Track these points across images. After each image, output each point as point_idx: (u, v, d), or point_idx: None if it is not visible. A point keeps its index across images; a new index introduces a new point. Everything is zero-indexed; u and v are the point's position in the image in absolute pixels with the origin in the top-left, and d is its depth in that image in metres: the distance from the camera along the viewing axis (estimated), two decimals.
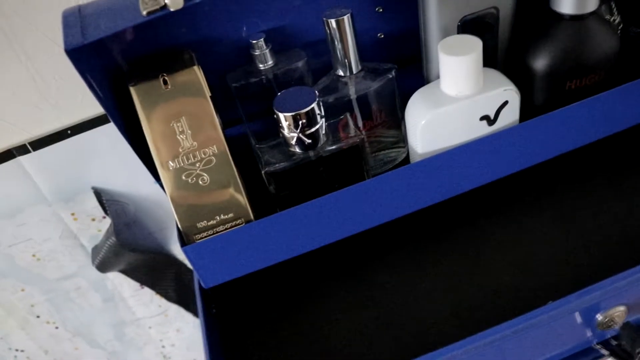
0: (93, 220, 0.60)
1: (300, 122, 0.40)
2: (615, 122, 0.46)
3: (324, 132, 0.42)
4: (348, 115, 0.45)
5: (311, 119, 0.41)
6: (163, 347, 0.76)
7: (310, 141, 0.41)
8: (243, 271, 0.45)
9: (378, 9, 0.50)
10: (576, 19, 0.43)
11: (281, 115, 0.40)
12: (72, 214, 0.59)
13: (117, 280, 0.66)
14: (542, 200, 0.49)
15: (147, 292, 0.68)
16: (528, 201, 0.50)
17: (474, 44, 0.41)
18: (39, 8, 0.48)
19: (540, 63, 0.45)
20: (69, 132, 0.53)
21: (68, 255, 0.62)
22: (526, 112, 0.46)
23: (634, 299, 0.41)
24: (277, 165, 0.42)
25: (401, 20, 0.50)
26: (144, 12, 0.36)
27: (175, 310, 0.71)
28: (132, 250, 0.59)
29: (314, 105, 0.40)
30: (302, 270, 0.49)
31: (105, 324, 0.70)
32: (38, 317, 0.67)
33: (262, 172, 0.42)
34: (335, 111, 0.46)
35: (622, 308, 0.41)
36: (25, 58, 0.49)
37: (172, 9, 0.36)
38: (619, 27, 0.50)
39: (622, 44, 0.52)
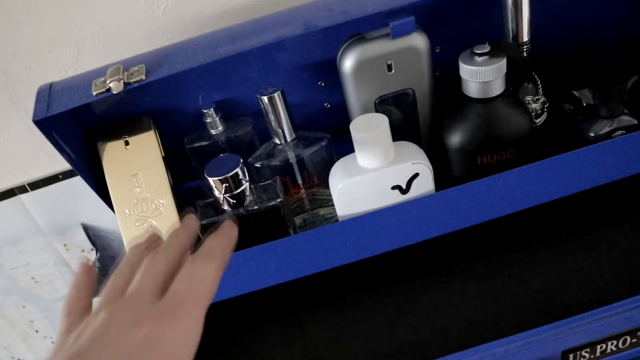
0: (83, 251, 0.69)
1: (224, 185, 0.47)
2: (525, 198, 0.49)
3: (248, 193, 0.48)
4: (278, 178, 0.51)
5: (235, 182, 0.47)
6: None
7: (234, 201, 0.48)
8: None
9: (320, 83, 0.56)
10: (483, 101, 0.48)
11: (210, 180, 0.47)
12: (65, 245, 0.68)
13: None
14: (462, 265, 0.53)
15: None
16: (449, 265, 0.53)
17: (381, 122, 0.46)
18: (37, 74, 0.58)
19: (452, 140, 0.50)
20: (60, 176, 0.62)
21: (62, 280, 0.71)
22: (447, 182, 0.50)
23: None
24: (205, 219, 0.48)
25: (341, 93, 0.56)
26: (94, 93, 0.44)
27: None
28: None
29: (238, 170, 0.47)
30: (245, 307, 0.55)
31: None
32: (37, 331, 0.76)
33: None
34: (280, 172, 0.53)
35: None
36: (25, 116, 0.59)
37: (114, 92, 0.44)
38: (545, 106, 0.54)
39: (553, 121, 0.56)
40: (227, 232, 0.32)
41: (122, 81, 0.44)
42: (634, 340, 0.43)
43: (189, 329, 0.27)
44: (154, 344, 0.25)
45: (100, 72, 0.46)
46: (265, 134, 0.54)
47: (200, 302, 0.28)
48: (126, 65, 0.47)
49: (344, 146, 0.53)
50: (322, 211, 0.57)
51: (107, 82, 0.44)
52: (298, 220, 0.56)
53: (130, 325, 0.26)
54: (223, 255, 0.31)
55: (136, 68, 0.45)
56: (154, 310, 0.26)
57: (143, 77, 0.44)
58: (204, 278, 0.28)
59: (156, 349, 0.25)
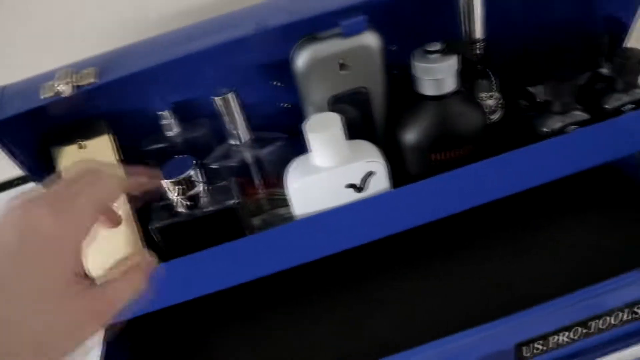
0: None
1: (178, 187, 0.47)
2: (480, 194, 0.49)
3: (202, 195, 0.48)
4: (233, 179, 0.51)
5: (189, 184, 0.47)
6: None
7: (188, 203, 0.48)
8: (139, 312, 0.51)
9: (277, 83, 0.56)
10: (435, 98, 0.48)
11: (163, 182, 0.47)
12: None
13: None
14: (422, 262, 0.54)
15: None
16: (408, 263, 0.54)
17: (334, 121, 0.46)
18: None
19: (405, 137, 0.50)
20: (15, 182, 0.61)
21: None
22: (404, 180, 0.50)
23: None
24: (159, 222, 0.48)
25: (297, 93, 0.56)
26: (42, 97, 0.44)
27: None
28: None
29: (191, 172, 0.47)
30: (206, 310, 0.55)
31: None
32: None
33: (149, 227, 0.49)
34: (237, 173, 0.53)
35: None
36: None
37: (63, 95, 0.43)
38: (500, 102, 0.54)
39: (510, 116, 0.56)
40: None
41: (70, 84, 0.43)
42: (585, 330, 0.44)
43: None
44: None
45: (51, 76, 0.46)
46: (223, 135, 0.54)
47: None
48: (77, 67, 0.46)
49: (305, 146, 0.53)
50: (281, 211, 0.57)
51: (56, 85, 0.44)
52: (257, 220, 0.56)
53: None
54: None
55: (86, 71, 0.44)
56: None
57: (93, 79, 0.44)
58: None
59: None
